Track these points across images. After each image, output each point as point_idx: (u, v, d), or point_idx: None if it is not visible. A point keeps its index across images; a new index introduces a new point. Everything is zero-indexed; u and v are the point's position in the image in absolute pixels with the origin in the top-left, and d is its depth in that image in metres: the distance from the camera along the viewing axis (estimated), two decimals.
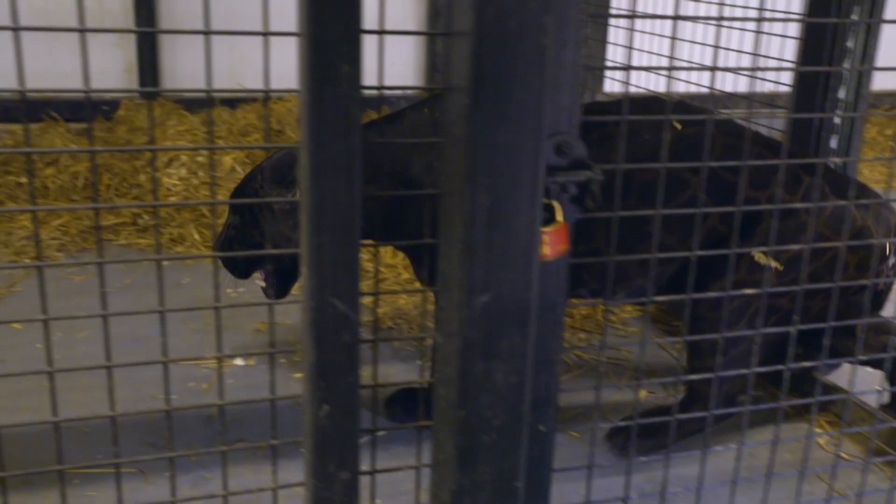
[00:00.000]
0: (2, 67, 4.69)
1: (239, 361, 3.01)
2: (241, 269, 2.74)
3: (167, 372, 1.29)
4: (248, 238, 2.68)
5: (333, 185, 1.19)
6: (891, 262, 2.54)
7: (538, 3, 1.16)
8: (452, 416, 1.32)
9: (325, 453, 1.32)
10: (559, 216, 1.33)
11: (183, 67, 5.40)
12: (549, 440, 1.46)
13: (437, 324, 1.33)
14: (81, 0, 1.12)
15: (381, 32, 1.19)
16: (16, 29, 1.12)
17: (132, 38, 5.24)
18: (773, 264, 2.39)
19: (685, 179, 2.44)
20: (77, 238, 4.03)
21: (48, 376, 1.27)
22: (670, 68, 1.32)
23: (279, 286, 2.74)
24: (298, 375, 2.84)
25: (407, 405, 2.73)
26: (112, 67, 5.28)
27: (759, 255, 2.40)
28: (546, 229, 1.30)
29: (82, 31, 1.13)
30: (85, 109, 5.04)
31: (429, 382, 2.76)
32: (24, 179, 4.31)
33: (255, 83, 5.36)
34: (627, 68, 1.35)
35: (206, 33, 1.15)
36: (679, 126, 2.42)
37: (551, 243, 1.31)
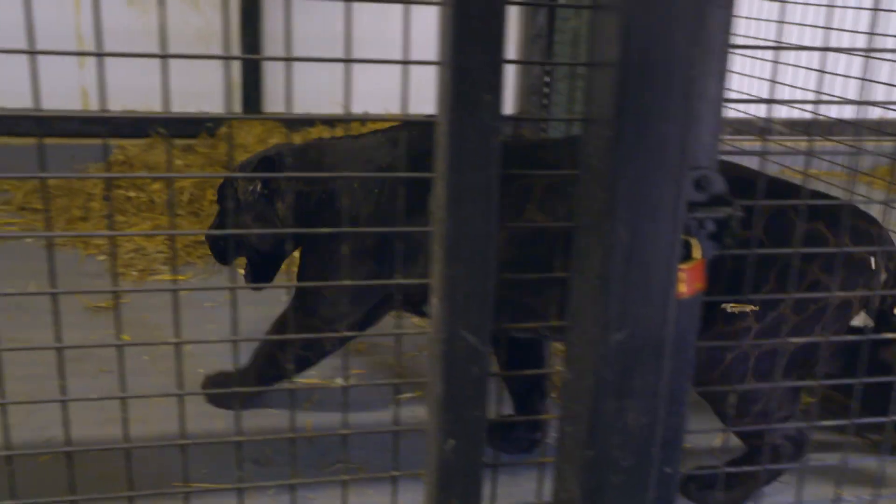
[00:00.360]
0: (114, 87, 4.86)
1: (339, 381, 3.02)
2: (222, 257, 2.93)
3: (294, 399, 1.28)
4: (227, 227, 2.86)
5: (471, 215, 1.17)
6: (881, 277, 2.38)
7: (686, 34, 1.12)
8: (579, 454, 1.28)
9: (449, 487, 1.30)
10: (696, 253, 1.28)
11: (284, 86, 5.50)
12: (674, 482, 1.41)
13: (566, 359, 1.30)
14: (227, 28, 1.13)
15: (523, 62, 1.17)
16: (164, 56, 1.14)
17: (236, 54, 5.37)
18: (747, 308, 2.29)
19: None
20: (181, 252, 4.12)
21: (178, 399, 1.27)
22: (817, 102, 1.27)
23: (256, 274, 2.91)
24: (400, 397, 2.84)
25: (506, 435, 2.70)
26: (218, 86, 5.41)
27: (730, 306, 2.29)
28: (683, 266, 1.26)
29: (228, 58, 1.14)
30: (206, 130, 5.18)
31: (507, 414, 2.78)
32: (132, 193, 4.43)
33: (354, 104, 5.42)
34: (770, 101, 1.30)
35: (348, 61, 1.15)
36: None
37: (688, 280, 1.27)
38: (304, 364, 2.74)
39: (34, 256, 3.92)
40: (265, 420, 2.73)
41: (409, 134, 2.65)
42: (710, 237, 1.29)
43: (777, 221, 2.30)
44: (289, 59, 1.13)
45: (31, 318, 3.33)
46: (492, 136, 1.15)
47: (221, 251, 2.92)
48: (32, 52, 1.08)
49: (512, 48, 5.85)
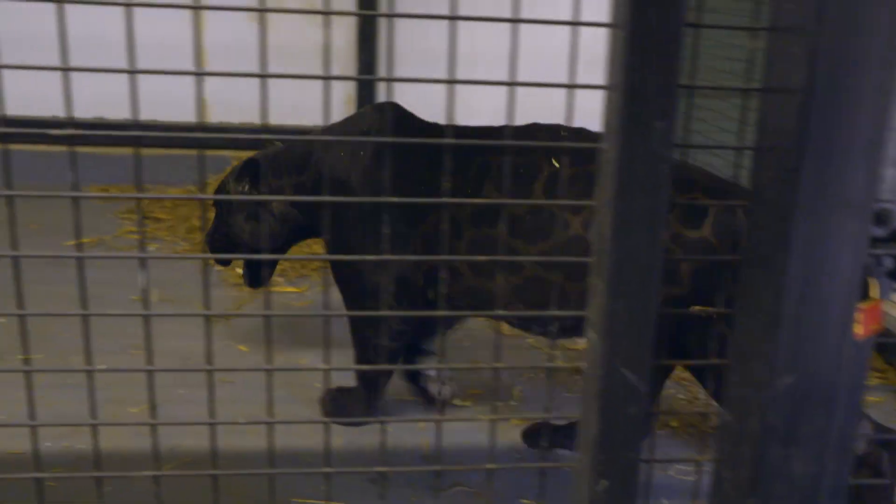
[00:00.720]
0: (234, 101, 4.98)
1: (455, 402, 2.99)
2: (220, 259, 3.09)
3: (440, 432, 1.24)
4: (223, 229, 3.01)
5: (636, 246, 1.11)
6: None
7: (880, 58, 1.05)
8: (740, 501, 1.21)
9: None
10: (874, 292, 1.20)
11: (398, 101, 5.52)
12: None
13: (727, 400, 1.23)
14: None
15: (697, 87, 1.11)
16: (327, 78, 1.12)
17: (352, 69, 5.43)
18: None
19: (563, 219, 2.36)
20: (296, 264, 4.17)
21: (324, 427, 1.25)
22: None
23: (252, 276, 3.07)
24: (517, 422, 2.79)
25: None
26: (333, 99, 5.48)
27: (697, 308, 2.24)
28: (861, 306, 1.18)
29: (385, 79, 1.11)
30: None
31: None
32: None
33: (465, 119, 5.41)
34: None
35: (511, 84, 1.11)
36: (556, 163, 2.41)
37: (865, 321, 1.18)
38: (390, 353, 2.78)
39: (154, 265, 4.02)
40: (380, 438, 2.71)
41: (388, 109, 2.87)
42: (889, 275, 1.21)
43: (724, 221, 2.25)
44: (453, 82, 1.09)
45: (154, 327, 3.40)
46: (661, 164, 1.09)
47: (217, 252, 3.04)
48: (199, 74, 1.08)
49: None
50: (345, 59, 5.44)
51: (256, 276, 3.08)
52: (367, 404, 2.82)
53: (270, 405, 1.23)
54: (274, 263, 3.11)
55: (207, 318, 1.15)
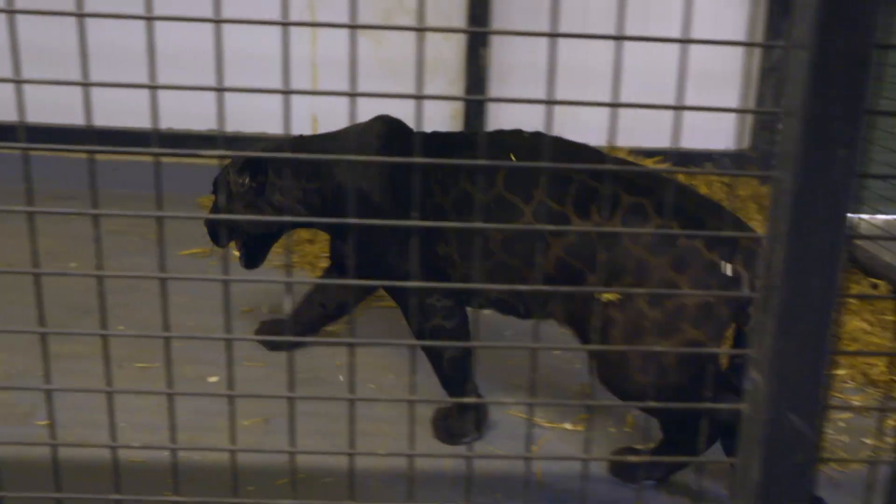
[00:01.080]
0: (342, 113, 5.00)
1: (567, 426, 2.91)
2: (217, 240, 3.25)
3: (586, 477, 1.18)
4: (222, 213, 3.15)
5: (809, 283, 1.03)
6: (727, 273, 2.30)
7: None
8: None
9: None
10: None
11: (504, 115, 5.49)
12: None
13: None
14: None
15: (886, 113, 1.03)
16: (485, 100, 1.07)
17: (460, 84, 5.41)
18: (612, 297, 2.34)
19: (519, 208, 2.55)
20: None
21: (466, 468, 1.20)
22: None
23: (249, 257, 3.23)
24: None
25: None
26: (440, 113, 5.47)
27: (605, 295, 2.34)
28: None
29: (530, 101, 1.07)
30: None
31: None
32: None
33: (573, 136, 5.34)
34: None
35: (679, 108, 1.05)
36: (513, 158, 2.64)
37: None
38: (451, 347, 2.80)
39: (253, 275, 4.05)
40: (490, 463, 2.65)
41: (392, 120, 2.99)
42: None
43: (632, 216, 2.39)
44: (617, 105, 1.03)
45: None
46: (843, 196, 1.01)
47: (216, 235, 3.23)
48: (353, 95, 1.04)
49: (736, 82, 5.59)
50: (454, 73, 5.43)
51: (252, 258, 3.25)
52: (472, 421, 2.79)
53: (412, 438, 1.19)
54: (269, 246, 3.27)
55: (351, 347, 1.11)
